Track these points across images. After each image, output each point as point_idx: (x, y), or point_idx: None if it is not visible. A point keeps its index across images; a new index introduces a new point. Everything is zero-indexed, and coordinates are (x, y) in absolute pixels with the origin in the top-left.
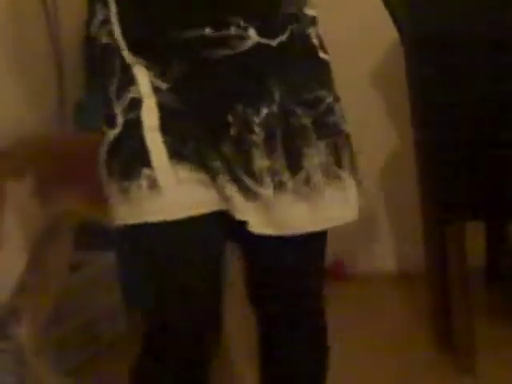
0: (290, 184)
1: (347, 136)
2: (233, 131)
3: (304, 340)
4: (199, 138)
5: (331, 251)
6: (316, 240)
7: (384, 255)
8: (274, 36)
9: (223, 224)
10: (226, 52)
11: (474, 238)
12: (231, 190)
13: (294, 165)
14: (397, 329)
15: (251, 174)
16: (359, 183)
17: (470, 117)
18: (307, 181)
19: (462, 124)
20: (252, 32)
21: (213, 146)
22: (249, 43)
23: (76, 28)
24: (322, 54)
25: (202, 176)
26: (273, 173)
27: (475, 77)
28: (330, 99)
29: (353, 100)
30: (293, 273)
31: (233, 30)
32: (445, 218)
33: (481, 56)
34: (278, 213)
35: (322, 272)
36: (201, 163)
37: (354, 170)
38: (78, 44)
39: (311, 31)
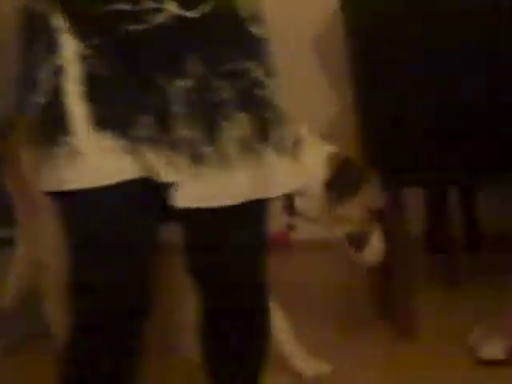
0: (206, 156)
1: (278, 112)
2: (154, 102)
3: (245, 317)
4: (122, 107)
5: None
6: (247, 212)
7: None
8: (193, 8)
9: (154, 197)
10: (143, 26)
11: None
12: (153, 158)
13: (211, 137)
14: (337, 293)
15: (171, 144)
16: (289, 160)
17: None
18: (222, 153)
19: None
20: (170, 5)
21: (135, 115)
22: (164, 16)
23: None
24: (252, 28)
25: (125, 144)
26: (192, 143)
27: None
28: (257, 73)
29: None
30: (224, 246)
31: (149, 4)
32: (384, 183)
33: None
34: (196, 184)
35: (258, 245)
36: (124, 132)
37: (282, 147)
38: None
39: (239, 3)
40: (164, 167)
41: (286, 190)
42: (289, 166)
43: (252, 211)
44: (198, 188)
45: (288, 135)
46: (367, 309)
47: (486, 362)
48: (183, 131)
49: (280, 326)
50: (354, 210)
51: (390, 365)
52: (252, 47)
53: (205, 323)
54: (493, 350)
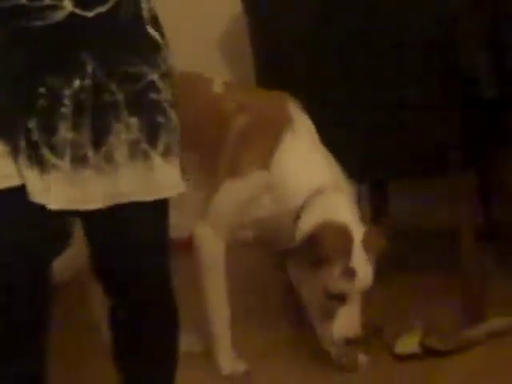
0: (91, 159)
1: (170, 116)
2: (43, 103)
3: (149, 314)
4: (9, 110)
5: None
6: (138, 214)
7: None
8: (91, 7)
9: None
10: (40, 23)
11: None
12: (27, 167)
13: (99, 140)
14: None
15: (52, 146)
16: (177, 166)
17: None
18: (108, 156)
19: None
20: (67, 2)
21: (21, 118)
22: (62, 14)
23: None
24: (150, 30)
25: (9, 149)
26: (75, 146)
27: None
28: (153, 76)
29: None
30: (118, 246)
31: (47, 0)
32: None
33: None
34: (76, 187)
35: (155, 245)
36: (9, 136)
37: (169, 152)
38: None
39: (143, 4)
40: (37, 178)
41: (174, 193)
42: (176, 170)
43: (144, 213)
44: (74, 190)
45: (176, 139)
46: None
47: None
48: (68, 133)
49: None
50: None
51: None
52: (150, 50)
53: (111, 319)
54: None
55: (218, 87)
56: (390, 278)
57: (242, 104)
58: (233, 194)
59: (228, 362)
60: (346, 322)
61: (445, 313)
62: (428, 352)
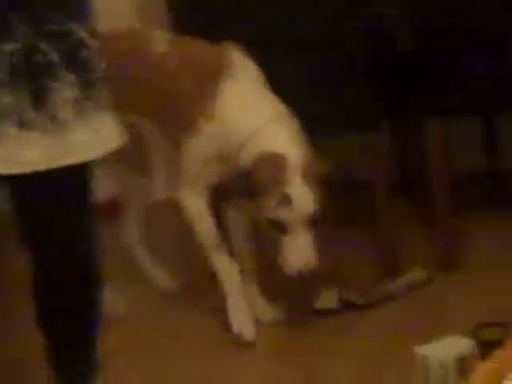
0: (35, 120)
1: (100, 72)
2: None
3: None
4: None
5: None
6: (71, 177)
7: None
8: None
9: None
10: None
11: None
12: None
13: (39, 101)
14: None
15: None
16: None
17: None
18: (53, 117)
19: None
20: None
21: None
22: None
23: None
24: None
25: None
26: (17, 109)
27: None
28: (82, 33)
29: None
30: (48, 212)
31: None
32: None
33: None
34: (21, 150)
35: (81, 210)
36: None
37: (108, 107)
38: None
39: None
40: None
41: (120, 145)
42: (115, 123)
43: (82, 174)
44: (24, 153)
45: (107, 95)
46: None
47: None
48: (7, 98)
49: None
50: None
51: None
52: (75, 8)
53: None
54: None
55: (160, 46)
56: None
57: (185, 61)
58: (194, 152)
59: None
60: (293, 254)
61: (363, 267)
62: (347, 306)
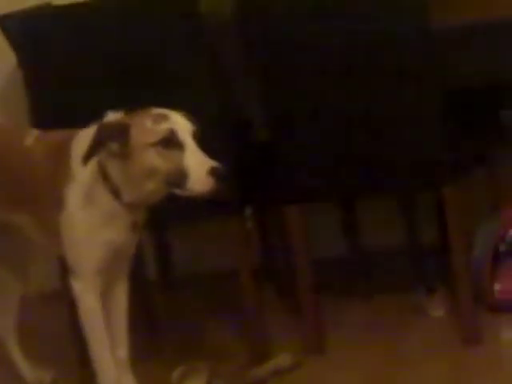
0: None
1: None
2: None
3: None
4: None
5: None
6: None
7: None
8: None
9: None
10: None
11: None
12: None
13: None
14: None
15: None
16: None
17: None
18: None
19: None
20: None
21: None
22: None
23: None
24: None
25: None
26: None
27: None
28: None
29: None
30: None
31: None
32: None
33: None
34: None
35: None
36: None
37: None
38: None
39: None
40: None
41: None
42: None
43: None
44: None
45: None
46: None
47: None
48: None
49: None
50: None
51: None
52: None
53: None
54: None
55: (29, 139)
56: (173, 324)
57: (47, 149)
58: (74, 236)
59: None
60: (198, 159)
61: (231, 352)
62: None
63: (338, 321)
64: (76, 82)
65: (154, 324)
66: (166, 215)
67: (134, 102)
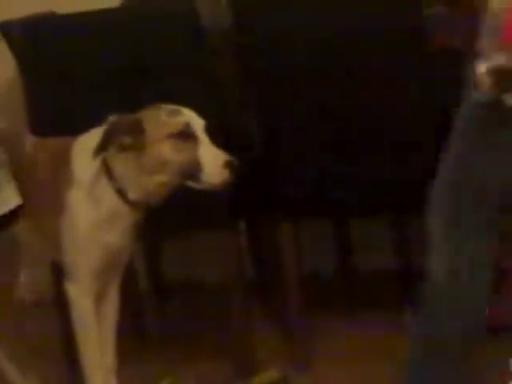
0: None
1: None
2: None
3: None
4: None
5: None
6: None
7: None
8: None
9: None
10: None
11: None
12: None
13: None
14: None
15: None
16: None
17: None
18: None
19: None
20: None
21: None
22: None
23: None
24: None
25: None
26: None
27: None
28: None
29: None
30: None
31: None
32: None
33: None
34: None
35: None
36: None
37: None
38: None
39: None
40: None
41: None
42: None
43: None
44: None
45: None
46: None
47: None
48: None
49: None
50: None
51: None
52: None
53: None
54: None
55: (28, 145)
56: (162, 335)
57: (46, 155)
58: (75, 238)
59: None
60: (213, 152)
61: (217, 370)
62: None
63: (325, 336)
64: (76, 89)
65: (144, 334)
66: (159, 227)
67: (134, 109)
